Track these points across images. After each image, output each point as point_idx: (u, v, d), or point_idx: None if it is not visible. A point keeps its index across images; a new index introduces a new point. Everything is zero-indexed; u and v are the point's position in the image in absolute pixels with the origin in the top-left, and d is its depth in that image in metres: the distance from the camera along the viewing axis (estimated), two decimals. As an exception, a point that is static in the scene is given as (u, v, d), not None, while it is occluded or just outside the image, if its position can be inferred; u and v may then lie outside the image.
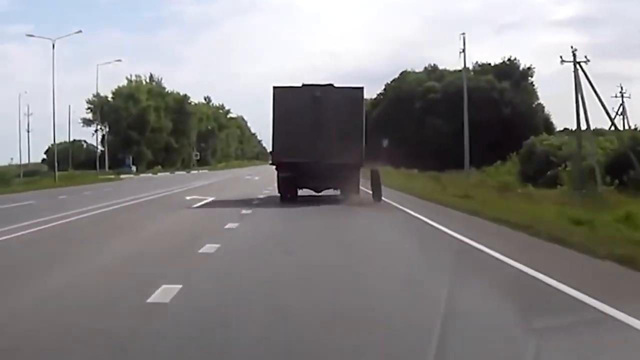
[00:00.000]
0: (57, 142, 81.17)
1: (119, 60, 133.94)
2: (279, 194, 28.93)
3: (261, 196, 32.53)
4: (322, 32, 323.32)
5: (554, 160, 59.61)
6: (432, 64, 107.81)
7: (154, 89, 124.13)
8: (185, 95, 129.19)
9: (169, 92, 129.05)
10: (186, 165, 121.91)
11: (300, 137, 27.27)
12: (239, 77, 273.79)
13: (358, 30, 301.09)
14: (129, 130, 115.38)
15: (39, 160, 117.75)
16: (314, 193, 29.59)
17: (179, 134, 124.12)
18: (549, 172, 55.26)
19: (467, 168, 60.13)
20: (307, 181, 28.42)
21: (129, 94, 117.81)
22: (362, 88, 30.16)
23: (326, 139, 26.95)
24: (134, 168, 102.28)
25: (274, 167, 29.56)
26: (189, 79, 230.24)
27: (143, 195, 35.70)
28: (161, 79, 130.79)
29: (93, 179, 62.67)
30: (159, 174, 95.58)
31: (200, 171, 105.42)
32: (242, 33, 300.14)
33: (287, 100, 28.16)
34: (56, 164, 67.80)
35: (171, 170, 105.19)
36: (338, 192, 29.40)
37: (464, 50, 60.48)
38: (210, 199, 31.57)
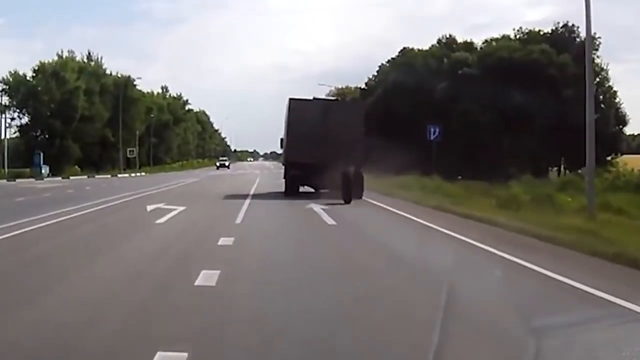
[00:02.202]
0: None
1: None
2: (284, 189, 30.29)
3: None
4: (292, 31, 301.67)
5: None
6: (448, 35, 73.31)
7: (87, 67, 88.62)
8: (129, 77, 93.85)
9: (109, 73, 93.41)
10: (131, 165, 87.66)
11: (308, 142, 28.18)
12: (205, 74, 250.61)
13: (328, 29, 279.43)
14: (51, 119, 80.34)
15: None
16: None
17: (119, 126, 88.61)
18: None
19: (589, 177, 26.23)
20: (310, 180, 29.52)
21: (53, 72, 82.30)
22: (365, 103, 37.29)
23: (330, 145, 27.48)
24: (45, 169, 67.09)
25: (283, 165, 31.91)
26: (157, 76, 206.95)
27: None
28: (101, 58, 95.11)
29: None
30: (72, 178, 60.99)
31: (133, 175, 70.88)
32: (211, 31, 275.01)
33: (300, 110, 29.68)
34: None
35: (92, 173, 70.17)
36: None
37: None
38: None
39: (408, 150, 59.43)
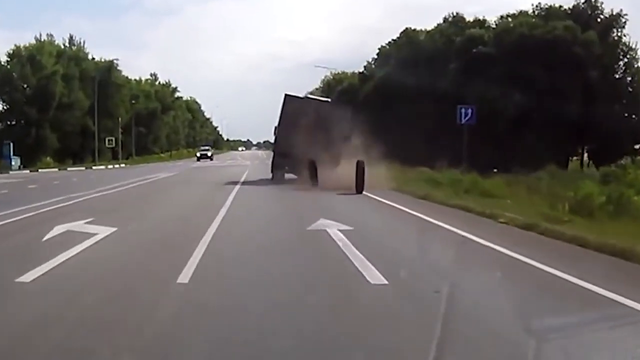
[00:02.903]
0: None
1: None
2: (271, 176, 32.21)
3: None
4: (285, 21, 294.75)
5: None
6: (455, 12, 64.09)
7: (67, 52, 79.28)
8: (112, 62, 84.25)
9: (91, 58, 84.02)
10: (116, 156, 78.68)
11: (296, 135, 28.39)
12: (198, 64, 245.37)
13: (321, 19, 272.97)
14: (26, 107, 71.20)
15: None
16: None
17: (101, 114, 79.34)
18: None
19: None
20: (292, 168, 30.62)
21: (29, 57, 73.10)
22: (350, 107, 36.49)
23: (314, 140, 27.90)
24: (16, 161, 58.20)
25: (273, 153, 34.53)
26: (149, 67, 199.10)
27: None
28: (84, 42, 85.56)
29: None
30: (42, 171, 52.40)
31: (110, 167, 61.80)
32: (204, 20, 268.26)
33: (293, 106, 30.97)
34: None
35: (65, 165, 61.06)
36: None
37: None
38: None
39: (420, 138, 50.53)
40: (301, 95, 35.72)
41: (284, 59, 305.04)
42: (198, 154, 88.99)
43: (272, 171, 32.42)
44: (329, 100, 37.48)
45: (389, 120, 54.49)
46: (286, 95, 32.13)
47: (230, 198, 21.60)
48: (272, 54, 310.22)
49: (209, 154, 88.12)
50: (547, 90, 48.36)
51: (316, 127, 28.67)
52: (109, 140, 70.01)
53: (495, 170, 32.64)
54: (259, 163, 60.49)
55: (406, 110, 53.74)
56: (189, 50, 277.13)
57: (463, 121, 28.61)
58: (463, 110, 28.77)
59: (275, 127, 33.07)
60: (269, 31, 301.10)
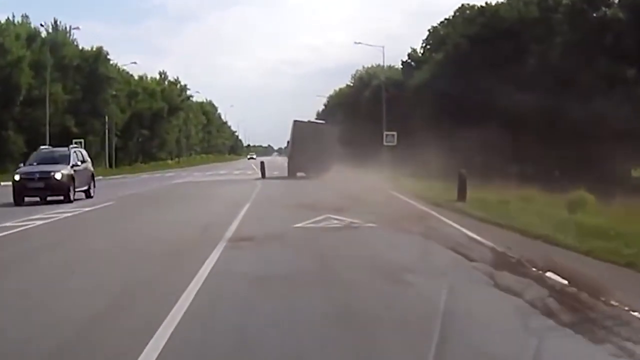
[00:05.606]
0: None
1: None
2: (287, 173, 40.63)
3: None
4: (304, 26, 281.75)
5: None
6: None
7: (41, 35, 61.69)
8: (101, 49, 66.57)
9: (76, 46, 66.29)
10: (110, 164, 61.54)
11: (303, 147, 38.65)
12: (220, 69, 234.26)
13: (339, 24, 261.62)
14: (-17, 102, 54.45)
15: None
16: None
17: (86, 112, 62.16)
18: None
19: None
20: (302, 168, 39.02)
21: (-10, 40, 56.11)
22: (338, 127, 46.80)
23: (315, 150, 37.48)
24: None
25: (287, 159, 43.20)
26: (170, 71, 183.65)
27: None
28: (70, 28, 67.65)
29: None
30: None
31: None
32: (225, 27, 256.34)
33: (300, 128, 40.92)
34: None
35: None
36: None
37: None
38: None
39: (501, 141, 33.01)
40: (305, 119, 44.62)
41: (304, 64, 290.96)
42: (17, 177, 23.91)
43: (287, 170, 40.46)
44: (324, 122, 46.88)
45: (453, 117, 36.78)
46: (295, 120, 41.50)
47: None
48: (292, 59, 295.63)
49: (55, 176, 23.35)
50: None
51: (317, 142, 37.79)
52: (75, 143, 51.53)
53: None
54: (278, 186, 31.43)
55: (483, 104, 35.36)
56: (209, 56, 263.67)
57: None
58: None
59: (288, 142, 44.25)
60: (288, 37, 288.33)
